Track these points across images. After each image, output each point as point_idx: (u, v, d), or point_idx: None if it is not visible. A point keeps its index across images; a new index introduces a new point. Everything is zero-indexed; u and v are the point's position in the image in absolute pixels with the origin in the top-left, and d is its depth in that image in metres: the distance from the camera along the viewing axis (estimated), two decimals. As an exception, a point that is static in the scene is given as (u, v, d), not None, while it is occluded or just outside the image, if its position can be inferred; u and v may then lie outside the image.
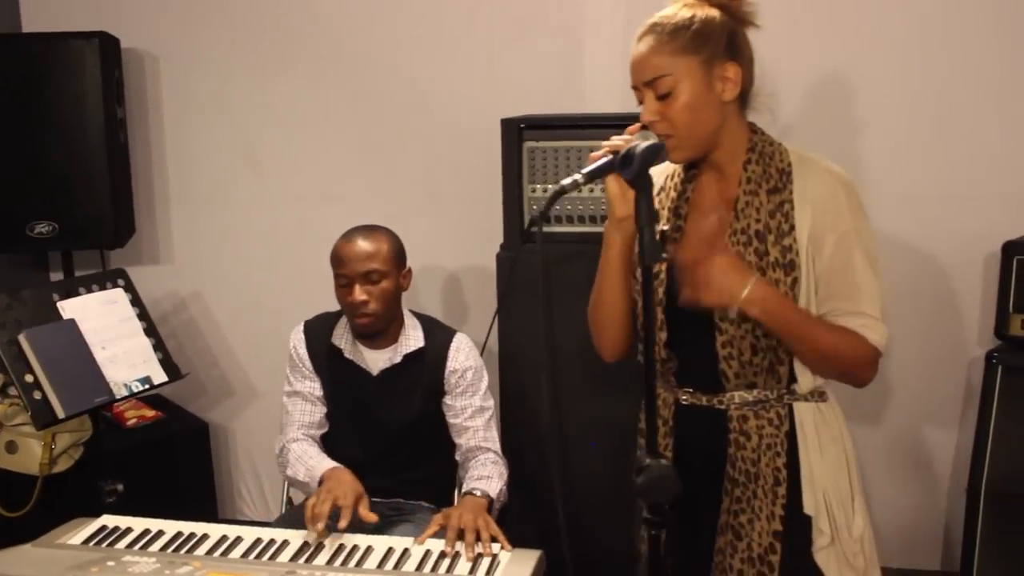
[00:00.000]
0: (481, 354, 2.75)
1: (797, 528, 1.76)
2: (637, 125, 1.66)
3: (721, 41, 1.68)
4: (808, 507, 1.75)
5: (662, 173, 1.87)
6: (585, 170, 1.54)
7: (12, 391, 2.87)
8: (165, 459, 3.30)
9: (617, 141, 1.59)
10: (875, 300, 1.71)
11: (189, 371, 2.75)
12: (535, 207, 2.77)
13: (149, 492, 3.08)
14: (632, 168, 1.33)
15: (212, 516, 3.51)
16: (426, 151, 3.32)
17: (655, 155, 1.36)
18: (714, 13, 1.69)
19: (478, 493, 2.27)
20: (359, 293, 2.37)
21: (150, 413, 3.36)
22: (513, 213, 2.76)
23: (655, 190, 1.79)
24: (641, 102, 1.71)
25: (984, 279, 2.95)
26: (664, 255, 1.39)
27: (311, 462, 2.35)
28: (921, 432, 3.12)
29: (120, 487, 2.61)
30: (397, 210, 3.30)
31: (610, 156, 1.56)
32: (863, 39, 2.94)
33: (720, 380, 1.77)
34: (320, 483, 2.24)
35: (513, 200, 2.75)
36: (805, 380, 1.76)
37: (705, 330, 1.74)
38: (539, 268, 2.63)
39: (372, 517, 2.10)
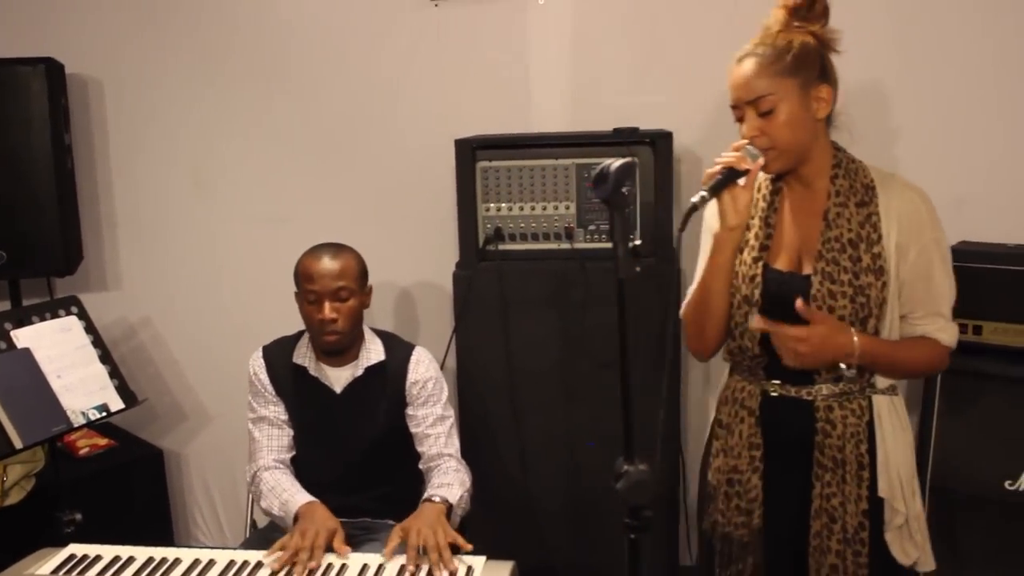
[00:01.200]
0: (443, 362, 2.80)
1: (873, 509, 1.97)
2: (742, 141, 1.88)
3: (816, 65, 1.90)
4: (883, 490, 1.97)
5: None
6: (707, 187, 1.84)
7: (-37, 423, 2.82)
8: (119, 487, 3.26)
9: (728, 158, 1.85)
10: (949, 303, 1.97)
11: (145, 397, 2.73)
12: (489, 225, 2.81)
13: (105, 521, 3.05)
14: (607, 186, 1.38)
15: (168, 543, 3.46)
16: (377, 171, 3.33)
17: (628, 174, 1.41)
18: (808, 39, 1.90)
19: (437, 499, 2.31)
20: (329, 311, 2.40)
21: (102, 441, 3.32)
22: (468, 232, 2.80)
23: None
24: (740, 120, 1.91)
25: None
26: (637, 269, 1.44)
27: (285, 495, 2.36)
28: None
29: (79, 517, 2.58)
30: (349, 230, 3.29)
31: (726, 171, 1.84)
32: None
33: (811, 374, 1.95)
34: (296, 519, 2.26)
35: (468, 219, 2.80)
36: (882, 377, 1.99)
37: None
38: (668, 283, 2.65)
39: (346, 549, 2.14)
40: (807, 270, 1.96)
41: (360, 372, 2.50)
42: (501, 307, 2.79)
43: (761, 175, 2.00)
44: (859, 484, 1.96)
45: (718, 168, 1.86)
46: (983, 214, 2.90)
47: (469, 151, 2.77)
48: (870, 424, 1.98)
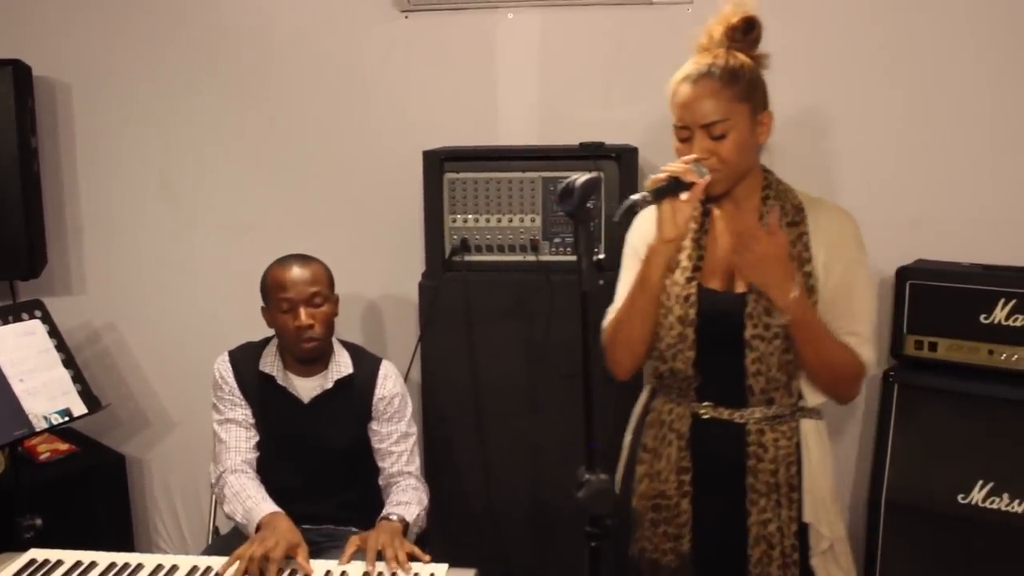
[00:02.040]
0: (404, 381, 2.80)
1: (801, 535, 1.98)
2: (691, 156, 1.86)
3: (763, 90, 1.93)
4: (808, 515, 1.97)
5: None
6: (651, 190, 1.80)
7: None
8: (80, 493, 3.24)
9: (676, 167, 1.82)
10: (870, 324, 1.97)
11: (109, 403, 2.72)
12: (455, 237, 2.84)
13: (65, 527, 3.03)
14: (572, 201, 1.42)
15: (129, 549, 3.43)
16: (345, 180, 3.34)
17: (593, 189, 1.46)
18: (751, 63, 1.92)
19: (394, 518, 2.32)
20: (305, 317, 2.41)
21: (63, 446, 3.30)
22: (434, 242, 2.82)
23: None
24: (685, 140, 1.90)
25: (880, 301, 3.10)
26: (600, 282, 1.48)
27: (249, 503, 2.33)
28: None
29: (39, 522, 2.58)
30: (316, 239, 3.29)
31: (672, 180, 1.81)
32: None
33: (745, 395, 1.96)
34: (258, 528, 2.24)
35: (434, 230, 2.82)
36: (812, 396, 1.99)
37: (735, 348, 1.94)
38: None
39: (309, 569, 2.10)
40: (740, 289, 1.96)
41: (330, 385, 2.50)
42: (466, 318, 2.81)
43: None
44: (790, 507, 1.96)
45: (664, 175, 1.82)
46: (938, 233, 2.97)
47: (437, 162, 2.79)
48: (797, 447, 1.99)
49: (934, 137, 2.97)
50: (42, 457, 3.23)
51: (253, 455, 2.52)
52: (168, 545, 3.67)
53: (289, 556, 2.11)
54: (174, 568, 2.01)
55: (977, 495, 2.66)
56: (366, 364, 2.56)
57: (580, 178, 1.42)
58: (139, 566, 2.02)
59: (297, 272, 2.45)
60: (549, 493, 2.86)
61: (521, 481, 2.88)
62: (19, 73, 3.03)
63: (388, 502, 2.44)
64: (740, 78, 1.88)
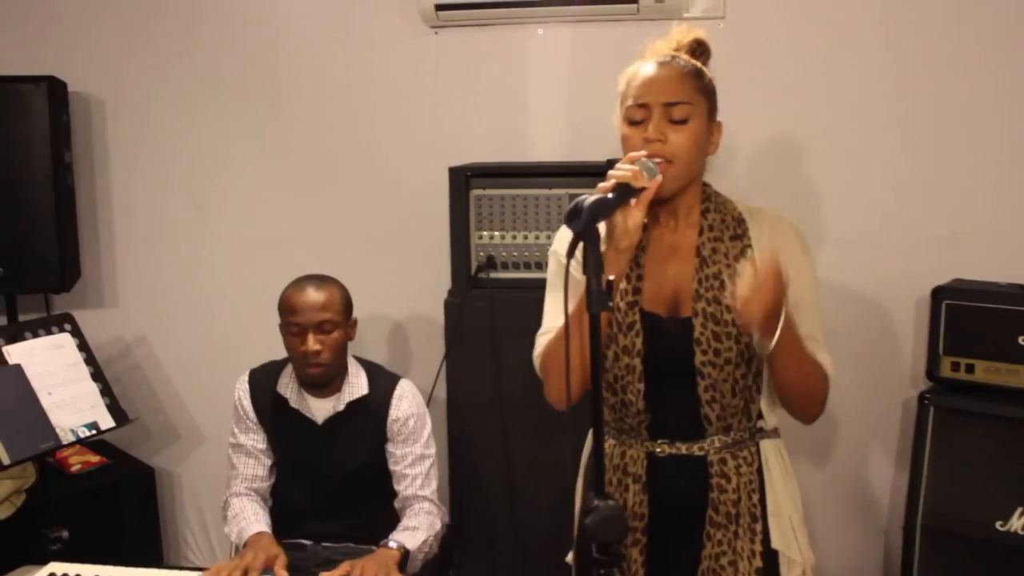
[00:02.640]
0: (429, 399, 2.79)
1: (769, 565, 1.84)
2: (638, 153, 1.70)
3: (716, 100, 1.82)
4: (776, 541, 1.85)
5: None
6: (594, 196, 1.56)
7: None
8: (110, 505, 3.26)
9: (623, 172, 1.62)
10: (821, 327, 1.86)
11: (137, 416, 2.73)
12: (482, 253, 2.82)
13: (94, 538, 3.04)
14: (580, 221, 1.39)
15: (157, 562, 3.46)
16: (373, 196, 3.35)
17: (603, 209, 1.43)
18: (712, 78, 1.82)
19: (392, 545, 2.32)
20: (312, 343, 2.40)
21: (94, 459, 3.33)
22: (460, 260, 2.81)
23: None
24: (638, 122, 1.75)
25: (916, 321, 3.05)
26: (610, 304, 1.45)
27: (243, 523, 2.40)
28: (861, 471, 3.19)
29: (65, 534, 2.57)
30: (343, 255, 3.33)
31: (619, 189, 1.59)
32: (796, 88, 3.04)
33: (701, 425, 1.82)
34: (245, 547, 2.31)
35: (460, 247, 2.81)
36: (771, 417, 1.88)
37: (686, 378, 1.80)
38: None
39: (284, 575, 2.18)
40: (686, 312, 1.81)
41: (342, 407, 2.50)
42: (492, 335, 2.79)
43: None
44: (752, 539, 1.83)
45: (610, 184, 1.60)
46: (976, 251, 2.91)
47: (463, 179, 2.78)
48: (759, 471, 1.87)
49: (972, 153, 2.92)
50: (73, 469, 3.26)
51: (261, 483, 2.56)
52: (197, 558, 3.69)
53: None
54: (183, 585, 2.01)
55: (1016, 522, 2.58)
56: (382, 384, 2.55)
57: (588, 198, 1.40)
58: (152, 583, 2.02)
59: (309, 297, 2.44)
60: (574, 513, 2.82)
61: (546, 500, 2.85)
62: (53, 89, 3.08)
63: (398, 525, 2.42)
64: (703, 76, 1.79)
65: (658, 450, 1.85)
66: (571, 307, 1.52)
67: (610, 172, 1.62)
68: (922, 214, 3.01)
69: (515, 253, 2.82)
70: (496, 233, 2.81)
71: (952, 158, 2.94)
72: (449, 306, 2.83)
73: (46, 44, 3.44)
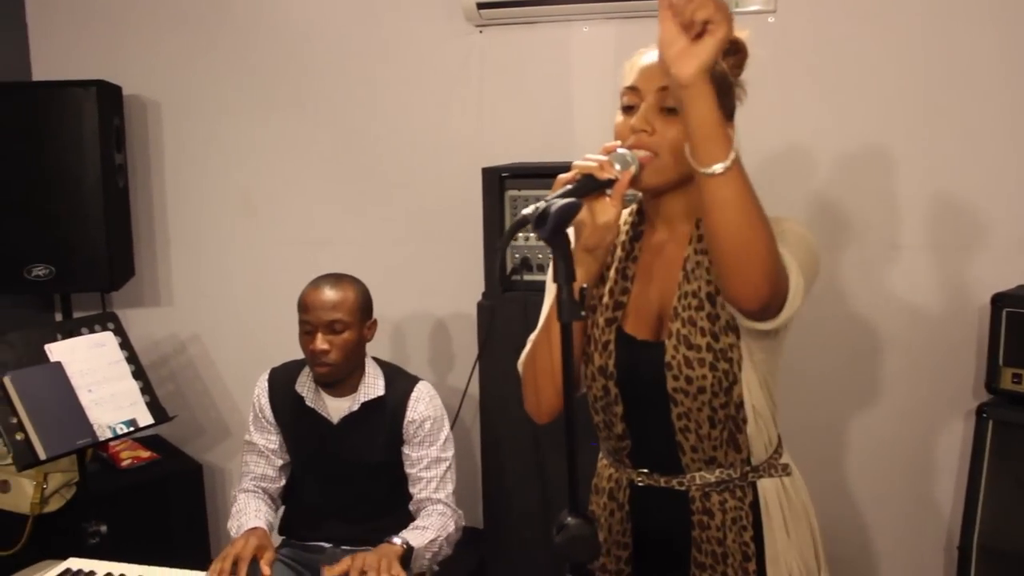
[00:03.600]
0: (461, 401, 2.76)
1: None
2: (614, 143, 1.54)
3: (730, 101, 1.62)
4: None
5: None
6: (551, 197, 1.40)
7: (6, 431, 2.92)
8: (157, 500, 3.32)
9: (590, 162, 1.47)
10: (799, 261, 1.51)
11: (177, 414, 2.77)
12: (516, 255, 2.78)
13: (142, 533, 3.13)
14: (546, 228, 1.32)
15: (205, 556, 3.52)
16: (416, 197, 3.35)
17: (571, 214, 1.34)
18: (727, 70, 1.61)
19: (397, 541, 2.29)
20: (320, 342, 2.40)
21: (145, 454, 3.39)
22: (494, 262, 2.77)
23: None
24: (628, 109, 1.57)
25: (979, 330, 2.91)
26: (583, 313, 1.38)
27: (243, 519, 2.43)
28: (921, 486, 3.06)
29: (103, 528, 2.64)
30: (386, 255, 3.34)
31: (583, 179, 1.46)
32: (849, 90, 2.93)
33: (676, 456, 1.64)
34: None
35: (494, 249, 2.77)
36: (757, 449, 1.65)
37: (659, 404, 1.62)
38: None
39: (266, 571, 2.21)
40: (666, 335, 1.61)
41: (356, 407, 2.49)
42: (525, 338, 2.74)
43: (623, 213, 1.63)
44: None
45: (571, 175, 1.47)
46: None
47: (497, 179, 2.74)
48: (755, 507, 1.65)
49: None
50: (124, 464, 3.33)
51: (269, 483, 2.58)
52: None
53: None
54: (194, 586, 2.02)
55: (1077, 544, 2.43)
56: (399, 386, 2.53)
57: (556, 203, 1.33)
58: (163, 582, 2.04)
59: (322, 296, 2.44)
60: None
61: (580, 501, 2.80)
62: (103, 93, 3.14)
63: (409, 526, 2.40)
64: (711, 71, 1.50)
65: (638, 480, 1.70)
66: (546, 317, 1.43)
67: (574, 162, 1.48)
68: (986, 218, 2.87)
69: (550, 255, 2.75)
70: (531, 235, 2.76)
71: (1017, 161, 2.79)
72: (482, 308, 2.80)
73: (103, 49, 3.53)
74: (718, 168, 1.34)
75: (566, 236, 1.35)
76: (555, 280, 1.33)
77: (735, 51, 1.63)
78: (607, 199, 1.50)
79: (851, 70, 2.92)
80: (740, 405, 1.61)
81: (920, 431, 3.02)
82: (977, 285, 2.87)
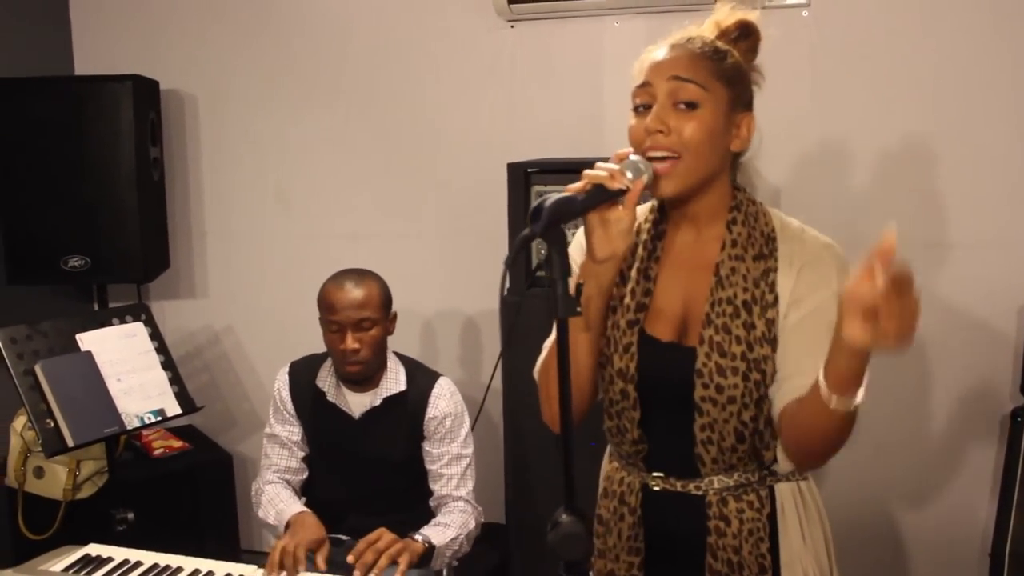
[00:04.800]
0: (484, 397, 2.75)
1: None
2: (626, 150, 1.49)
3: (748, 90, 1.57)
4: None
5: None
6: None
7: (42, 418, 2.98)
8: (187, 489, 3.37)
9: (600, 172, 1.41)
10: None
11: (204, 404, 2.81)
12: (542, 251, 2.76)
13: (172, 521, 3.18)
14: (540, 223, 1.30)
15: (234, 546, 3.57)
16: (446, 192, 3.37)
17: (565, 209, 1.33)
18: (740, 58, 1.57)
19: (419, 539, 2.30)
20: (351, 341, 2.40)
21: (177, 443, 3.44)
22: (519, 257, 2.75)
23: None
24: (642, 108, 1.51)
25: (1016, 332, 2.84)
26: (578, 310, 1.36)
27: (281, 505, 2.41)
28: (953, 491, 3.00)
29: (131, 516, 2.67)
30: (415, 249, 3.36)
31: (593, 190, 1.40)
32: (887, 85, 2.87)
33: (695, 463, 1.59)
34: (287, 528, 2.31)
35: (505, 263, 2.75)
36: (786, 462, 1.59)
37: (681, 410, 1.56)
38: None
39: (322, 566, 2.18)
40: (692, 339, 1.56)
41: (378, 402, 2.49)
42: (549, 335, 2.73)
43: (642, 209, 1.62)
44: None
45: (581, 185, 1.41)
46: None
47: (522, 175, 2.73)
48: (772, 517, 1.60)
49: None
50: (156, 453, 3.38)
51: (292, 475, 2.58)
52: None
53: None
54: (210, 574, 2.03)
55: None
56: (420, 381, 2.53)
57: (550, 197, 1.32)
58: (179, 568, 2.06)
59: (348, 295, 2.43)
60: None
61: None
62: (139, 87, 3.18)
63: (430, 522, 2.40)
64: (725, 58, 1.53)
65: (652, 483, 1.64)
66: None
67: (585, 172, 1.42)
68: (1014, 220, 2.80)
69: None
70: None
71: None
72: (506, 304, 2.78)
73: (143, 45, 3.60)
74: (841, 407, 1.34)
75: (561, 231, 1.33)
76: (549, 275, 1.31)
77: (747, 35, 1.61)
78: (619, 208, 1.46)
79: (887, 64, 2.87)
80: (769, 422, 1.56)
81: (954, 434, 2.97)
82: (1015, 286, 2.81)
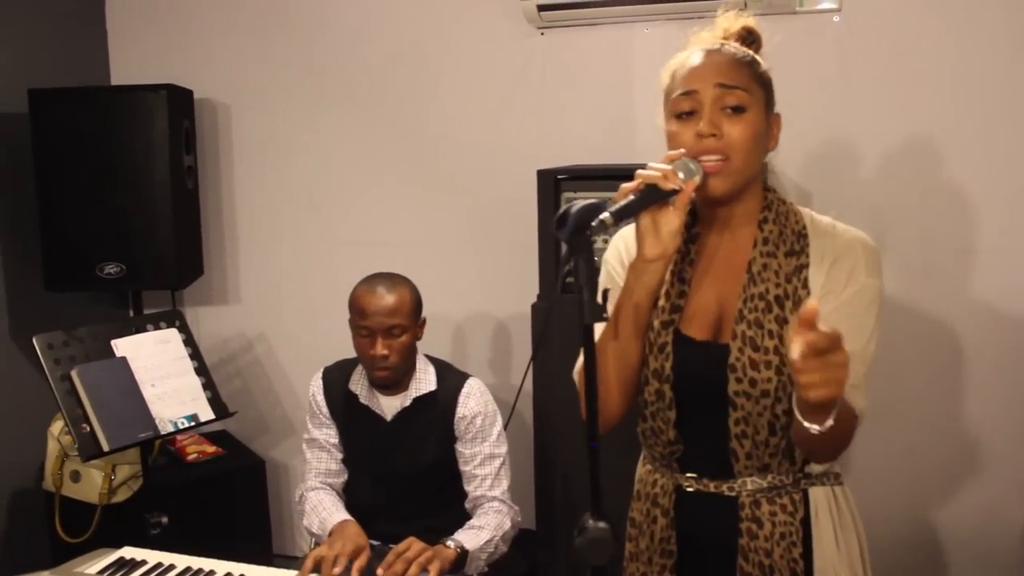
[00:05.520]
0: (514, 403, 2.76)
1: None
2: (677, 151, 1.51)
3: (772, 89, 1.62)
4: None
5: None
6: (614, 208, 1.40)
7: (79, 423, 3.03)
8: (221, 494, 3.40)
9: (651, 172, 1.45)
10: (865, 364, 1.55)
11: (237, 410, 2.83)
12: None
13: (205, 526, 3.20)
14: (566, 228, 1.31)
15: (267, 550, 3.59)
16: (476, 198, 3.38)
17: (592, 215, 1.34)
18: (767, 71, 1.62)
19: (451, 545, 2.30)
20: (381, 347, 2.41)
21: (211, 449, 3.48)
22: (548, 263, 2.77)
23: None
24: (686, 115, 1.54)
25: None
26: (605, 316, 1.37)
27: (324, 514, 2.43)
28: (989, 494, 2.96)
29: (164, 519, 2.70)
30: (444, 255, 3.37)
31: (645, 189, 1.44)
32: (919, 89, 2.85)
33: (729, 462, 1.61)
34: (330, 535, 2.34)
35: (548, 250, 2.77)
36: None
37: (716, 407, 1.58)
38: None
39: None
40: (726, 337, 1.59)
41: (408, 402, 2.50)
42: (579, 340, 2.73)
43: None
44: None
45: (635, 184, 1.45)
46: None
47: (552, 181, 2.74)
48: (805, 522, 1.61)
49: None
50: (190, 458, 3.42)
51: (334, 478, 2.59)
52: (309, 546, 3.80)
53: None
54: (242, 576, 2.06)
55: None
56: (450, 381, 2.54)
57: (576, 204, 1.32)
58: (212, 572, 2.08)
59: (380, 301, 2.44)
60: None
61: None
62: (173, 96, 3.22)
63: (464, 525, 2.41)
64: (757, 64, 1.58)
65: (686, 484, 1.66)
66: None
67: (638, 172, 1.45)
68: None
69: (596, 259, 2.74)
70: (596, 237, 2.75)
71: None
72: (536, 310, 2.79)
73: (178, 55, 3.65)
74: (815, 429, 1.36)
75: (587, 237, 1.34)
76: (575, 283, 1.32)
77: (752, 40, 1.65)
78: (670, 208, 1.48)
79: (919, 68, 2.85)
80: None
81: (987, 437, 2.93)
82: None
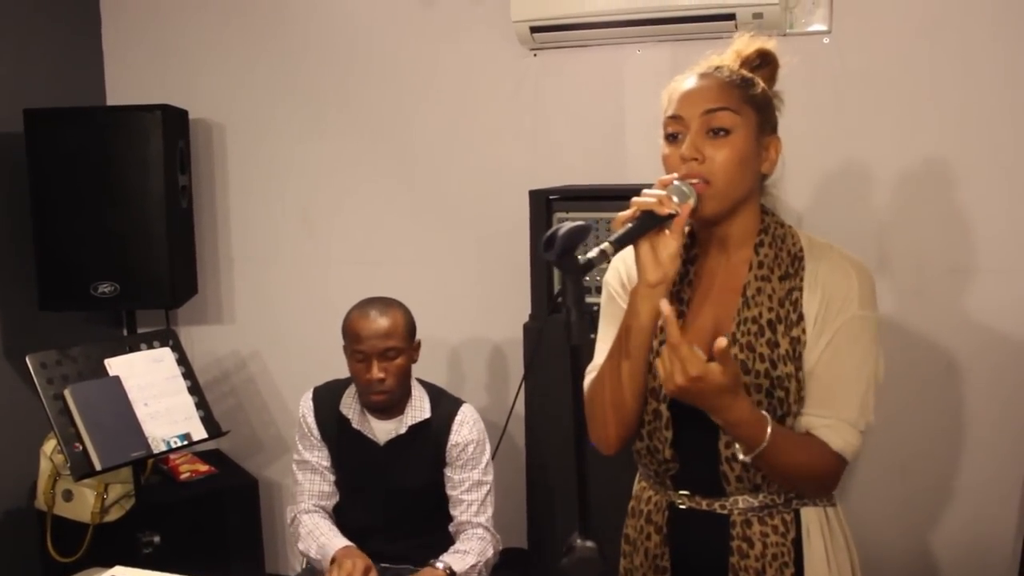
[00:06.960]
0: (506, 422, 2.76)
1: None
2: (670, 176, 1.53)
3: (773, 114, 1.64)
4: None
5: None
6: (613, 237, 1.43)
7: (70, 442, 3.02)
8: (213, 513, 3.39)
9: (649, 199, 1.46)
10: (853, 401, 1.57)
11: (230, 429, 2.83)
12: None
13: (198, 545, 3.20)
14: (554, 250, 1.32)
15: (259, 570, 3.59)
16: (469, 219, 3.39)
17: (580, 237, 1.35)
18: (765, 87, 1.63)
19: (439, 565, 2.33)
20: (377, 371, 2.42)
21: (203, 468, 3.48)
22: (539, 283, 2.78)
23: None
24: (674, 137, 1.58)
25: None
26: (593, 335, 1.38)
27: (323, 539, 2.44)
28: (983, 515, 2.96)
29: (156, 539, 2.69)
30: (438, 276, 3.39)
31: (642, 216, 1.46)
32: (909, 110, 2.88)
33: (720, 483, 1.62)
34: (332, 562, 2.34)
35: (540, 270, 2.78)
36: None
37: (710, 429, 1.58)
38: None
39: None
40: None
41: (404, 430, 2.51)
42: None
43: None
44: None
45: (631, 213, 1.47)
46: None
47: (543, 202, 2.75)
48: (797, 542, 1.62)
49: None
50: (183, 477, 3.41)
51: (327, 500, 2.60)
52: (300, 566, 3.79)
53: None
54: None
55: None
56: (444, 408, 2.55)
57: (564, 225, 1.34)
58: (203, 593, 2.08)
59: (374, 324, 2.45)
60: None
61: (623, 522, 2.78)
62: (168, 117, 3.24)
63: (449, 549, 2.41)
64: (753, 86, 1.59)
65: (679, 502, 1.68)
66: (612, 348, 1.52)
67: (633, 199, 1.47)
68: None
69: (597, 278, 2.75)
70: (579, 257, 2.75)
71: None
72: (528, 330, 2.80)
73: (174, 76, 3.66)
74: (758, 450, 1.49)
75: (575, 259, 1.35)
76: (563, 302, 1.33)
77: (767, 63, 1.66)
78: (667, 233, 1.50)
79: (909, 89, 2.87)
80: None
81: (982, 458, 2.93)
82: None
